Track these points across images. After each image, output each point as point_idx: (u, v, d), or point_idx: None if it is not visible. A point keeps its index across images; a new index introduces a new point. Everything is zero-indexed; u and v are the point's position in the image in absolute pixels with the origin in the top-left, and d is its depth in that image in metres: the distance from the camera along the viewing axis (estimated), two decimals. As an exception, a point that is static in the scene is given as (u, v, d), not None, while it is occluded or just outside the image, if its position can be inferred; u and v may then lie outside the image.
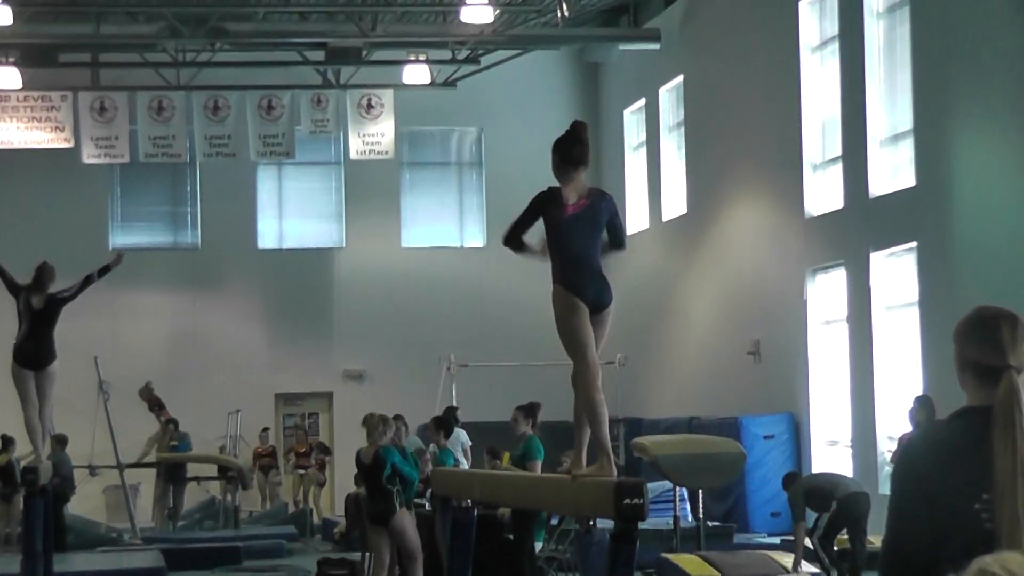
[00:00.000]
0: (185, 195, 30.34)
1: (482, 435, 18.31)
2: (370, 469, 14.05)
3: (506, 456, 17.58)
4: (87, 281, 14.10)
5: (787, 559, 17.01)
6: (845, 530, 16.04)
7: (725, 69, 24.71)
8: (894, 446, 15.94)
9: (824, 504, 15.96)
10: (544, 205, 7.88)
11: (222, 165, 28.54)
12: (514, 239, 7.98)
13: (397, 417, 15.47)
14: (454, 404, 20.83)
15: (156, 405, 25.04)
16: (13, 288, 13.84)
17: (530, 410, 14.74)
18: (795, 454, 22.24)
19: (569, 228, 7.81)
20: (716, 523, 20.07)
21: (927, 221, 18.72)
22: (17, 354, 13.67)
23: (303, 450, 27.50)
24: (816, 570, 16.67)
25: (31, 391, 13.71)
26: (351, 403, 28.32)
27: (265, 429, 27.97)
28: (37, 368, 13.71)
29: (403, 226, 30.70)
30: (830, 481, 16.27)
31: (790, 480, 16.62)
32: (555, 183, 7.92)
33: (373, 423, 14.21)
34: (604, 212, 7.90)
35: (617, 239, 8.02)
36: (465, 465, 18.02)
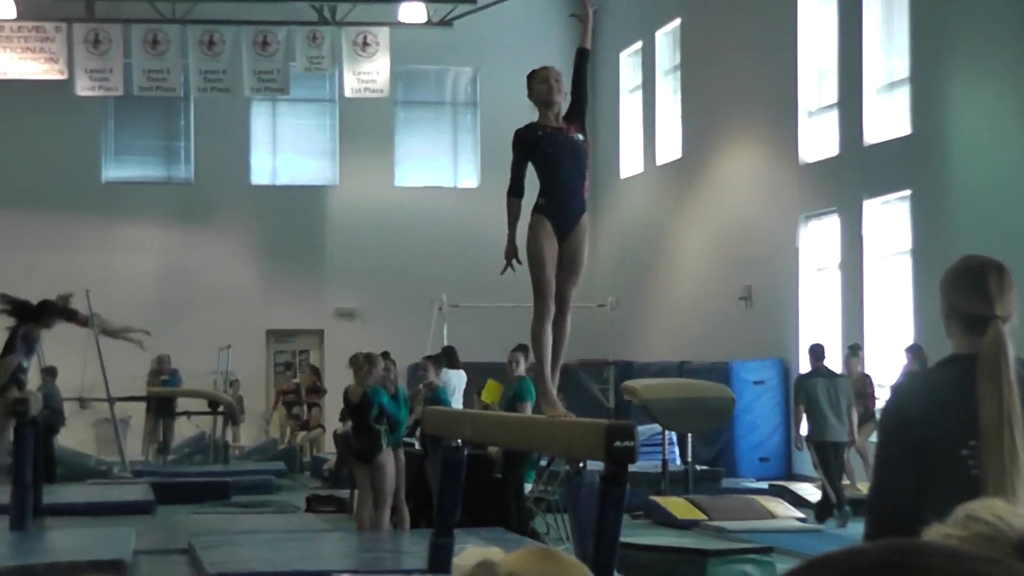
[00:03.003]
0: (179, 129, 30.24)
1: (473, 375, 18.34)
2: (358, 408, 14.10)
3: (488, 384, 17.55)
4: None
5: (774, 504, 17.14)
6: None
7: (722, 13, 24.61)
8: (886, 394, 16.05)
9: None
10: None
11: (216, 100, 28.43)
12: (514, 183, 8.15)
13: (384, 355, 15.44)
14: (446, 344, 20.75)
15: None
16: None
17: (526, 351, 14.72)
18: (784, 400, 22.30)
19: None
20: (704, 467, 20.14)
21: (922, 169, 18.72)
22: None
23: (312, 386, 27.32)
24: (801, 515, 16.83)
25: None
26: (342, 341, 28.29)
27: (287, 367, 28.11)
28: None
29: (396, 165, 30.62)
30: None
31: None
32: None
33: (359, 363, 14.28)
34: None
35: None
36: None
